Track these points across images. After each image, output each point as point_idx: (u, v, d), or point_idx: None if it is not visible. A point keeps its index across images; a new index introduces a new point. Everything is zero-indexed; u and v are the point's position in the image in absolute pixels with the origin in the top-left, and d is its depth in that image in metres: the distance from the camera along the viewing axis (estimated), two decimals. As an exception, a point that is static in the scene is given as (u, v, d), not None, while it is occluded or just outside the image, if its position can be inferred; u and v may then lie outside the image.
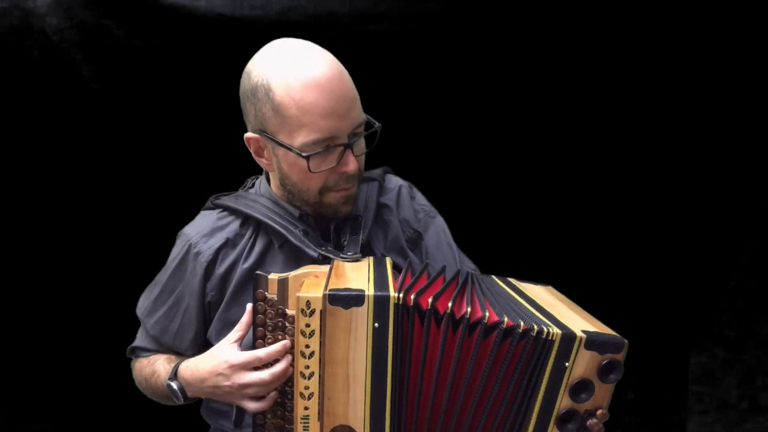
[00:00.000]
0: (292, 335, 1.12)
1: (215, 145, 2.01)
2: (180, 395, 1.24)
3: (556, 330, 1.04)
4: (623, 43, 2.20)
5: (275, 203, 1.31)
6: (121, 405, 2.23)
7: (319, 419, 1.08)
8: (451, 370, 1.08)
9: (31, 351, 2.35)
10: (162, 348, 1.38)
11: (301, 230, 1.26)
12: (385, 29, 2.15)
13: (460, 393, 1.09)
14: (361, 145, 1.24)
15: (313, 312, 1.05)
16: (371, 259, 1.23)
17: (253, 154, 1.28)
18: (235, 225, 1.31)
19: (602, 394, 1.07)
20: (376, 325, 1.04)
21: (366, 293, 1.03)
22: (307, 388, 1.08)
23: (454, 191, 1.89)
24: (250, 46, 1.26)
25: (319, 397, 1.08)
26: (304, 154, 1.17)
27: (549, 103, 2.27)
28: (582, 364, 1.05)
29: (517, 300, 1.17)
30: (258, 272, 1.13)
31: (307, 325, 1.06)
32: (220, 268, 1.29)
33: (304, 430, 1.09)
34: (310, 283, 1.11)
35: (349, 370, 1.06)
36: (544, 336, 1.04)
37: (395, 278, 1.12)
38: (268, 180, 1.34)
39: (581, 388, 1.06)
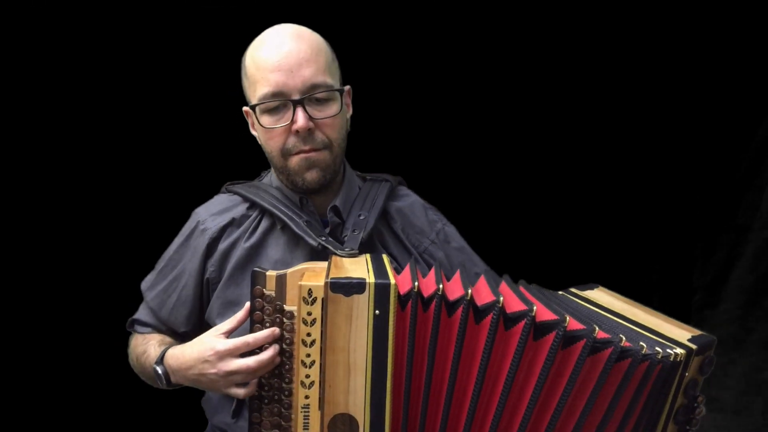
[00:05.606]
0: (290, 331, 1.13)
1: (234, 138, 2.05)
2: (164, 380, 1.26)
3: (680, 351, 1.10)
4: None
5: (281, 192, 1.37)
6: (119, 400, 2.24)
7: (319, 408, 1.09)
8: (508, 371, 1.06)
9: (33, 345, 2.34)
10: (159, 323, 1.41)
11: (304, 221, 1.30)
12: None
13: (529, 400, 1.06)
14: (326, 110, 1.28)
15: (314, 300, 1.07)
16: (368, 255, 1.25)
17: (250, 129, 1.37)
18: (243, 207, 1.38)
19: (700, 384, 1.20)
20: (377, 312, 1.05)
21: (367, 281, 1.05)
22: (308, 376, 1.09)
23: (451, 191, 1.92)
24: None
25: (319, 386, 1.08)
26: (253, 103, 1.27)
27: (546, 105, 2.32)
28: (693, 368, 1.15)
29: (606, 316, 1.20)
30: (256, 269, 1.15)
31: (309, 314, 1.07)
32: (223, 245, 1.34)
33: (304, 419, 1.10)
34: (310, 275, 1.12)
35: (350, 358, 1.07)
36: (674, 359, 1.10)
37: (394, 272, 1.13)
38: None
39: (691, 387, 1.18)
